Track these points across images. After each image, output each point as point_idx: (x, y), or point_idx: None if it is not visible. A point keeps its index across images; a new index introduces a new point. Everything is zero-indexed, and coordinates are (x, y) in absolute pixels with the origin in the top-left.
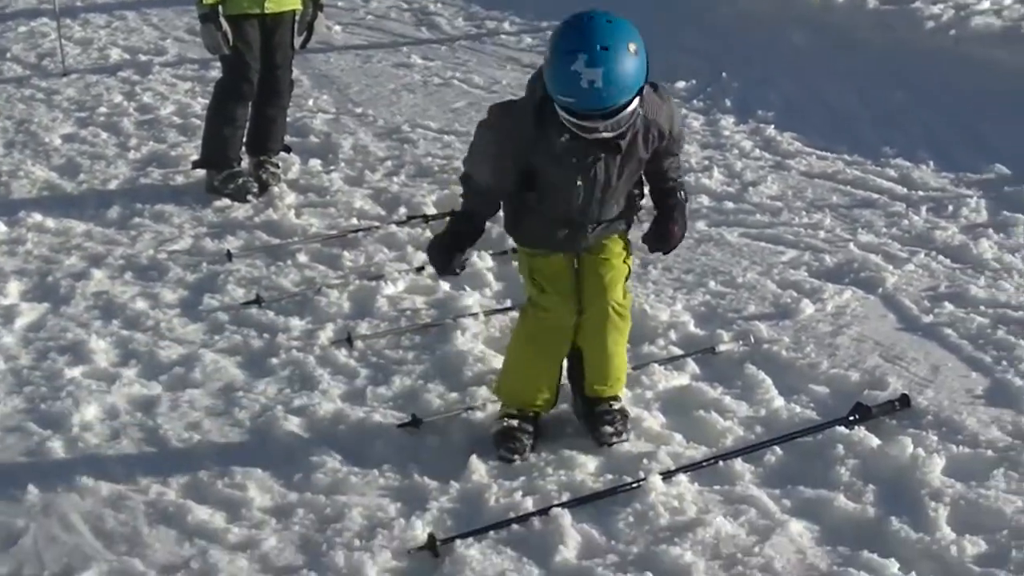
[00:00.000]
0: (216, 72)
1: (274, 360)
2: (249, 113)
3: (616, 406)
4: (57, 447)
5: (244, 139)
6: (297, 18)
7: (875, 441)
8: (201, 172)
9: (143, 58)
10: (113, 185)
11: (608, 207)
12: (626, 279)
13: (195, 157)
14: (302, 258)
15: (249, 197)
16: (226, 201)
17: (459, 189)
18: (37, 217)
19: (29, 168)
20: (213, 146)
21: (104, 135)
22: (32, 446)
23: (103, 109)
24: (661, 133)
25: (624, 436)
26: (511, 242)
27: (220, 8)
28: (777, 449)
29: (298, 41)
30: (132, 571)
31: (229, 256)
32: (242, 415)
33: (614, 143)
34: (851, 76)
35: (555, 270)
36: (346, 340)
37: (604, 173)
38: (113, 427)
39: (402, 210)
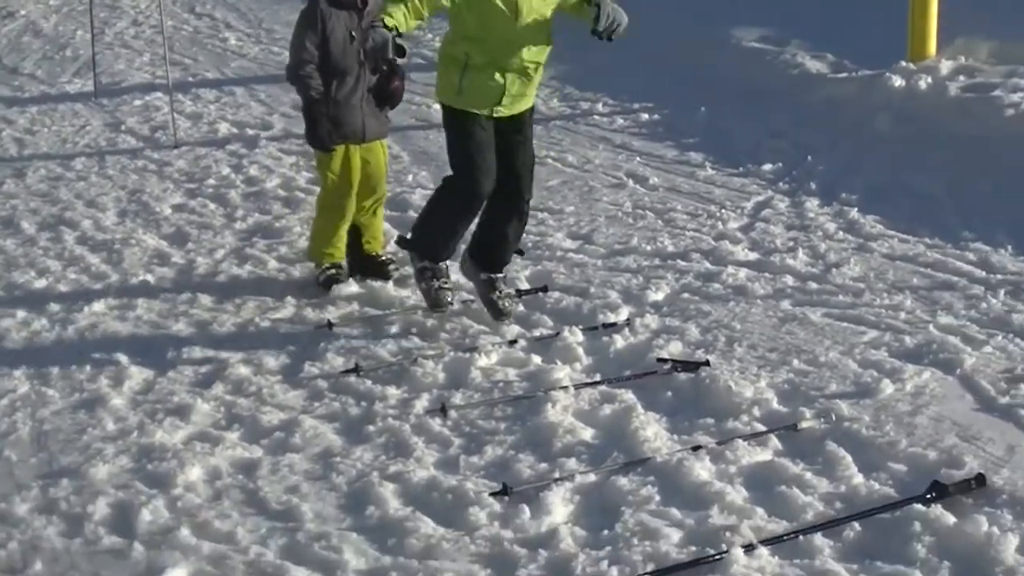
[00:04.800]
0: None
1: (371, 427)
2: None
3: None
4: (160, 506)
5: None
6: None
7: (951, 519)
8: (304, 244)
9: (250, 132)
10: (220, 254)
11: None
12: None
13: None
14: (399, 329)
15: (442, 304)
16: (327, 272)
17: (551, 266)
18: (147, 283)
19: (140, 236)
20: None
21: (212, 206)
22: (137, 504)
23: (211, 181)
24: None
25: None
26: (600, 319)
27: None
28: (856, 525)
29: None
30: None
31: (329, 325)
32: (339, 480)
33: None
34: (933, 161)
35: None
36: (440, 410)
37: None
38: (216, 488)
39: None
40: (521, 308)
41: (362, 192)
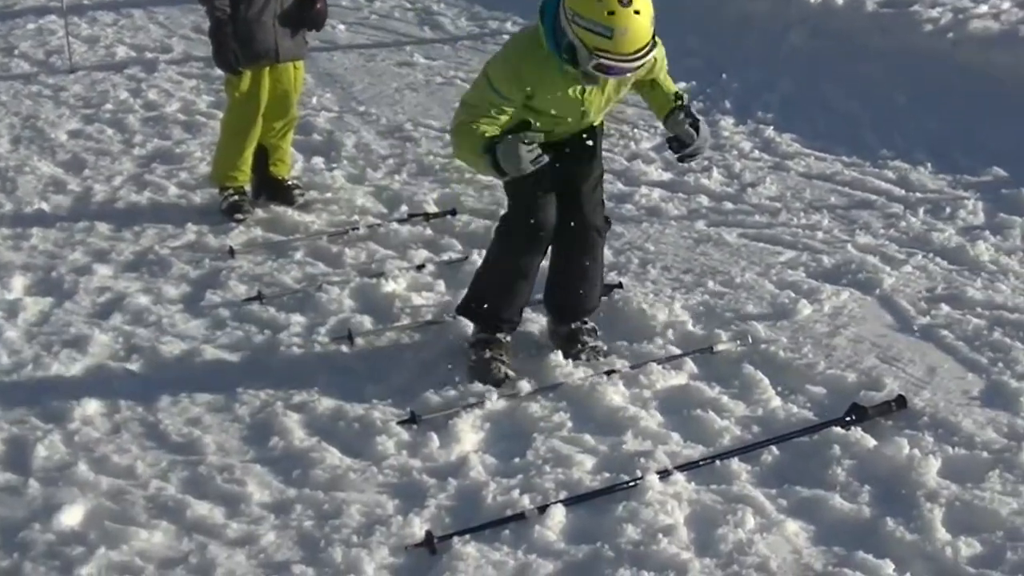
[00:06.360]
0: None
1: (275, 356)
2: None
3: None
4: (57, 441)
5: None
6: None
7: (871, 442)
8: (205, 170)
9: (149, 56)
10: (117, 181)
11: None
12: None
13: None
14: (304, 255)
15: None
16: (230, 198)
17: (460, 188)
18: (43, 212)
19: (35, 164)
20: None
21: (109, 131)
22: (32, 440)
23: (109, 106)
24: None
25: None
26: None
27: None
28: (774, 449)
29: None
30: (131, 566)
31: (231, 252)
32: (242, 411)
33: None
34: (850, 78)
35: None
36: (346, 337)
37: None
38: (114, 421)
39: (403, 208)
40: (428, 232)
41: (273, 113)
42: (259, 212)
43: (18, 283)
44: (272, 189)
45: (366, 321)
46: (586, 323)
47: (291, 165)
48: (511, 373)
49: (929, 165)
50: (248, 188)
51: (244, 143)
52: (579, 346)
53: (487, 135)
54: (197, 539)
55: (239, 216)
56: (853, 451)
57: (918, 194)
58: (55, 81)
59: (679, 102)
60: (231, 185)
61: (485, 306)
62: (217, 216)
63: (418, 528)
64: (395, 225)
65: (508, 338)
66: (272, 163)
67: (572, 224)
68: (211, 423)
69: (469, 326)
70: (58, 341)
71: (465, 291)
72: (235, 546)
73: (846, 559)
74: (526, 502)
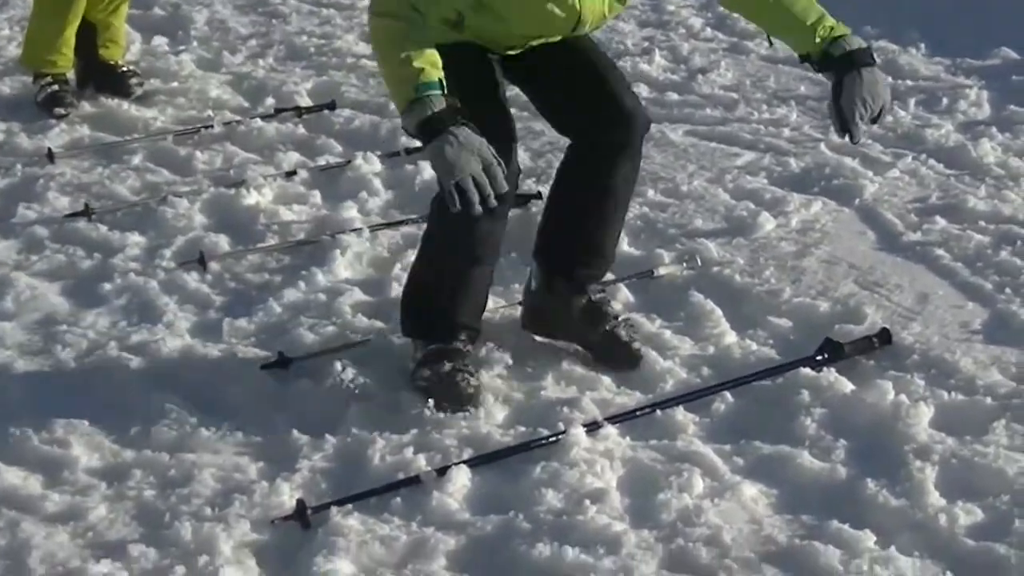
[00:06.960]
0: None
1: (107, 285)
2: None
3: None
4: None
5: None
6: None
7: (848, 386)
8: (15, 51)
9: None
10: None
11: None
12: None
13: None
14: (143, 159)
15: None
16: (47, 88)
17: (339, 76)
18: None
19: None
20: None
21: None
22: None
23: None
24: None
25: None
26: (403, 142)
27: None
28: (728, 396)
29: None
30: None
31: (50, 156)
32: (65, 354)
33: None
34: None
35: None
36: (198, 261)
37: None
38: None
39: (269, 101)
40: (301, 130)
41: None
42: (85, 106)
43: None
44: (102, 77)
45: (222, 241)
46: (603, 290)
47: (126, 47)
48: (476, 389)
49: (922, 46)
50: (71, 75)
51: (65, 19)
52: (613, 321)
53: (423, 57)
54: (7, 515)
55: (60, 110)
56: (826, 397)
57: (908, 82)
58: None
59: (824, 35)
60: (49, 71)
61: (433, 311)
62: (31, 110)
63: (287, 497)
64: (259, 122)
65: (470, 347)
66: (102, 44)
67: (610, 124)
68: (25, 369)
69: (349, 248)
70: None
71: (401, 300)
72: (56, 522)
73: (816, 530)
74: (421, 463)
